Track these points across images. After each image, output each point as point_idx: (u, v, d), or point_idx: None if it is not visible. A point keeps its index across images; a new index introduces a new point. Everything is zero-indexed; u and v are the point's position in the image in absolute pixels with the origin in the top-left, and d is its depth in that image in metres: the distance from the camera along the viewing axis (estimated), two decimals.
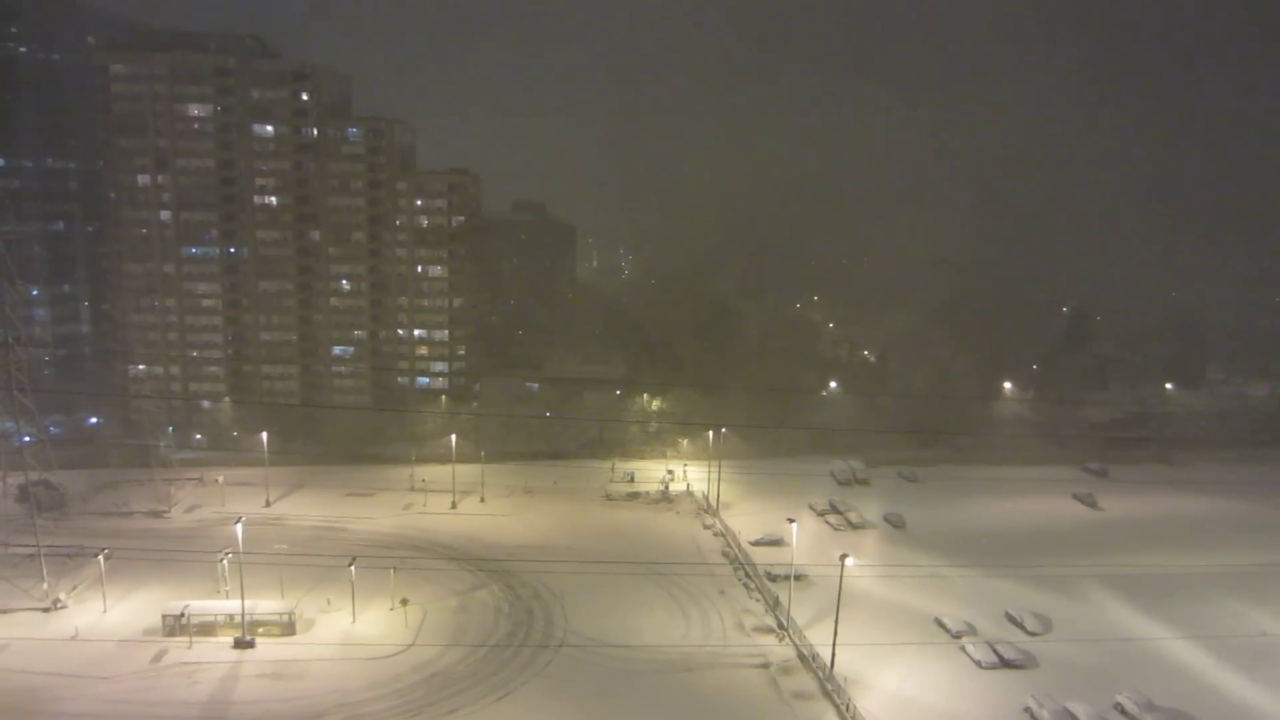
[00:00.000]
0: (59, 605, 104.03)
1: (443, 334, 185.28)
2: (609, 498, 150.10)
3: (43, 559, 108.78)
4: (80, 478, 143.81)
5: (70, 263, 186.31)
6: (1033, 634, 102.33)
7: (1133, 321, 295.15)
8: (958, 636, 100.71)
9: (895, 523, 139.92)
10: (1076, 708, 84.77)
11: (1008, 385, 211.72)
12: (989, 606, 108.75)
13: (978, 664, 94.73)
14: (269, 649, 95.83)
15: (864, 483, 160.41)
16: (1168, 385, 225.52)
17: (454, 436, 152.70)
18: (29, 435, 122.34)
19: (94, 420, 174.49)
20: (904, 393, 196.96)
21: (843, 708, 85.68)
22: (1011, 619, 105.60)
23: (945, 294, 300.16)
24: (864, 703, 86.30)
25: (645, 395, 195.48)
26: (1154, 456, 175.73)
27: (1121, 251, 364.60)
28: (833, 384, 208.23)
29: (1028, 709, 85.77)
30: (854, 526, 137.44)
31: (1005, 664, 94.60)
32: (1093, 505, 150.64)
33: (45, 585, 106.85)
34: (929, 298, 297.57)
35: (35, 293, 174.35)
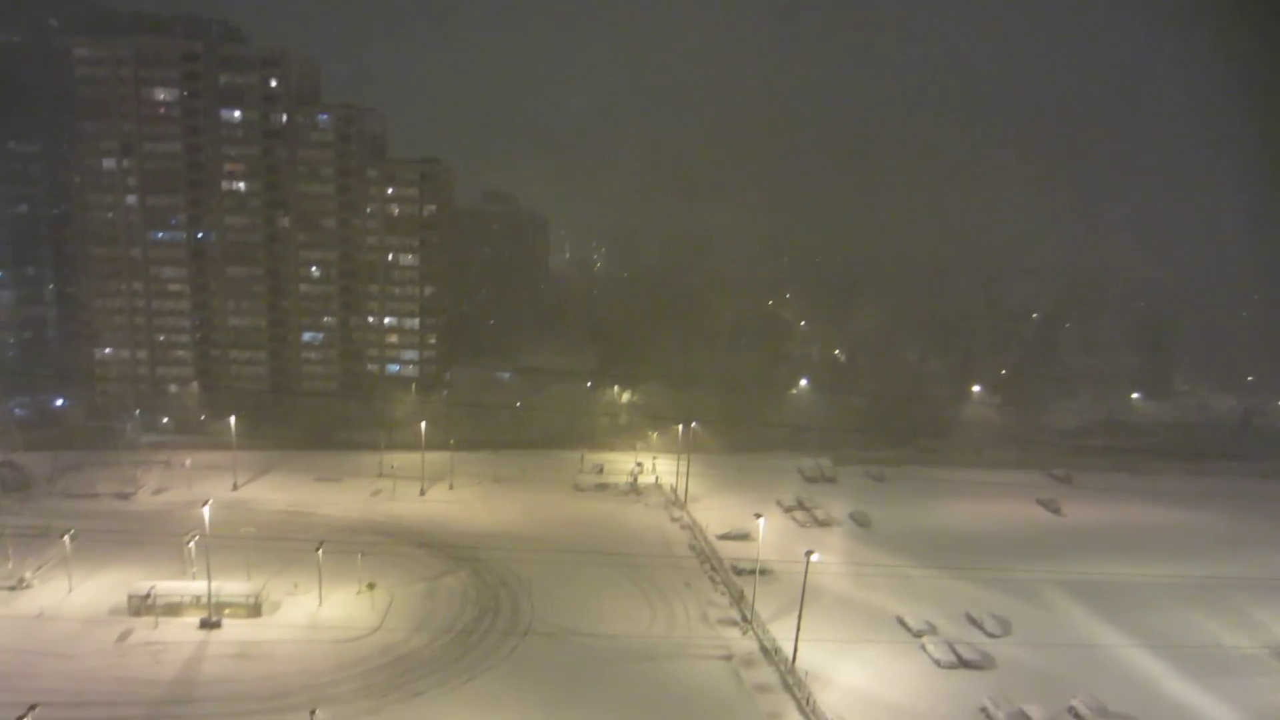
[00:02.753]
0: (24, 584, 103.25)
1: (413, 322, 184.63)
2: (578, 488, 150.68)
3: (8, 538, 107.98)
4: (45, 459, 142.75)
5: (35, 245, 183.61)
6: (992, 635, 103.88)
7: (1101, 330, 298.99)
8: (918, 635, 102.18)
9: (861, 521, 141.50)
10: (1031, 709, 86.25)
11: (976, 389, 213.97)
12: (950, 607, 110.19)
13: (937, 663, 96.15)
14: (235, 630, 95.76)
15: (831, 481, 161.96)
16: (1134, 395, 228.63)
17: (424, 424, 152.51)
18: None
19: (60, 402, 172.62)
20: (873, 392, 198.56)
21: (803, 701, 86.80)
22: (972, 620, 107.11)
23: (917, 296, 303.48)
24: (824, 697, 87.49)
25: (616, 387, 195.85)
26: (1118, 465, 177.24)
27: (1091, 260, 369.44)
28: (803, 381, 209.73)
29: (984, 709, 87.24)
30: (820, 524, 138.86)
31: (964, 664, 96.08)
32: (1056, 511, 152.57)
33: (10, 564, 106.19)
34: (901, 300, 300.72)
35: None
